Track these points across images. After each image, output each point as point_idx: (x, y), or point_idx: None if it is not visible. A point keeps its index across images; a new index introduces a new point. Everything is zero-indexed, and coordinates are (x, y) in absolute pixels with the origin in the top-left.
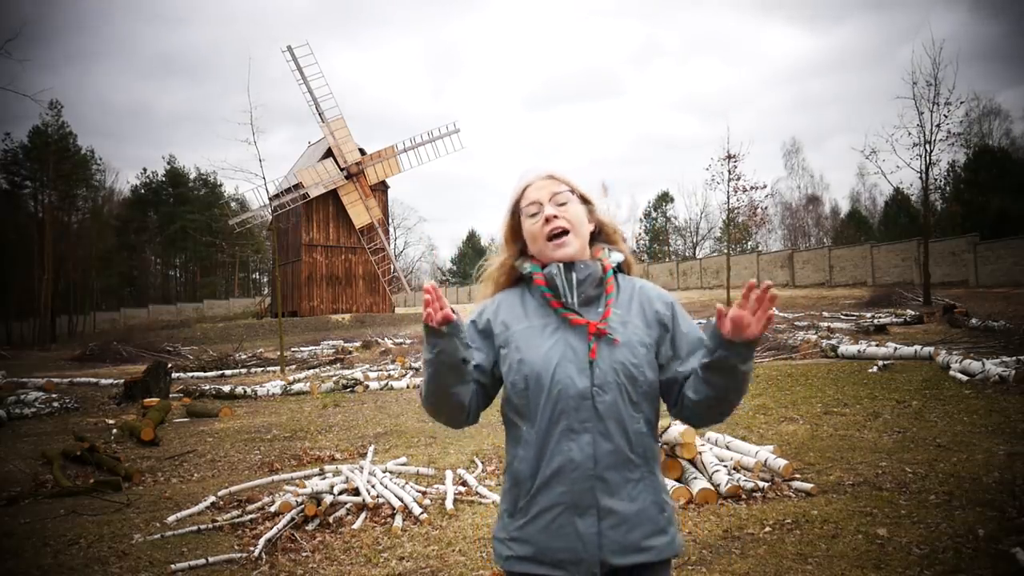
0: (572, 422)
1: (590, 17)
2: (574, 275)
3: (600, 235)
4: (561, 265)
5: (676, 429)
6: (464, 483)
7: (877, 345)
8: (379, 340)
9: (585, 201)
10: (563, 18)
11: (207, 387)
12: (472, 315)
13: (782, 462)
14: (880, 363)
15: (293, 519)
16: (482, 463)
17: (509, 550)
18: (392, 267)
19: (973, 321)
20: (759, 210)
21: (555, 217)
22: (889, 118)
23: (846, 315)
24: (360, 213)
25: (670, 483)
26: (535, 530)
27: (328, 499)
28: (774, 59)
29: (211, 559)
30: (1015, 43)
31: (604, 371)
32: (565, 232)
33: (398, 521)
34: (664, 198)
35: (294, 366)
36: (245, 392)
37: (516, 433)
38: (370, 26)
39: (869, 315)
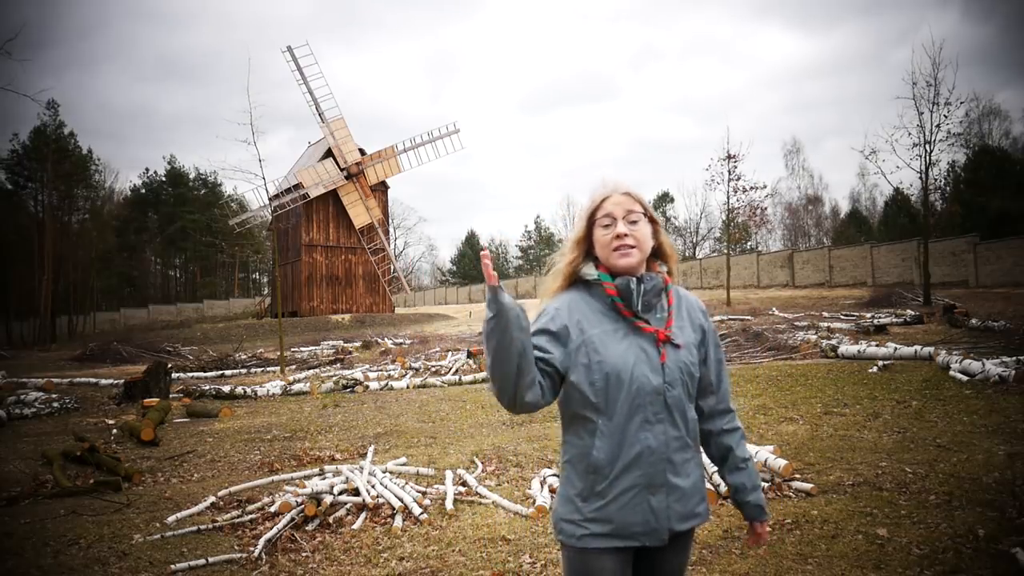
0: (647, 415)
1: (586, 21)
2: (643, 286)
3: (659, 251)
4: (634, 279)
5: None
6: (464, 483)
7: (877, 345)
8: (379, 340)
9: (652, 221)
10: (559, 22)
11: (207, 387)
12: (545, 319)
13: (782, 462)
14: (880, 363)
15: (293, 519)
16: (482, 463)
17: (585, 530)
18: (392, 267)
19: (973, 321)
20: (759, 210)
21: (626, 235)
22: (883, 120)
23: (846, 315)
24: (360, 213)
25: None
26: (614, 509)
27: (328, 499)
28: (769, 63)
29: (211, 559)
30: (1006, 45)
31: (672, 370)
32: (632, 247)
33: (398, 521)
34: (664, 198)
35: (294, 366)
36: (245, 392)
37: (589, 427)
38: (368, 30)
39: (869, 315)
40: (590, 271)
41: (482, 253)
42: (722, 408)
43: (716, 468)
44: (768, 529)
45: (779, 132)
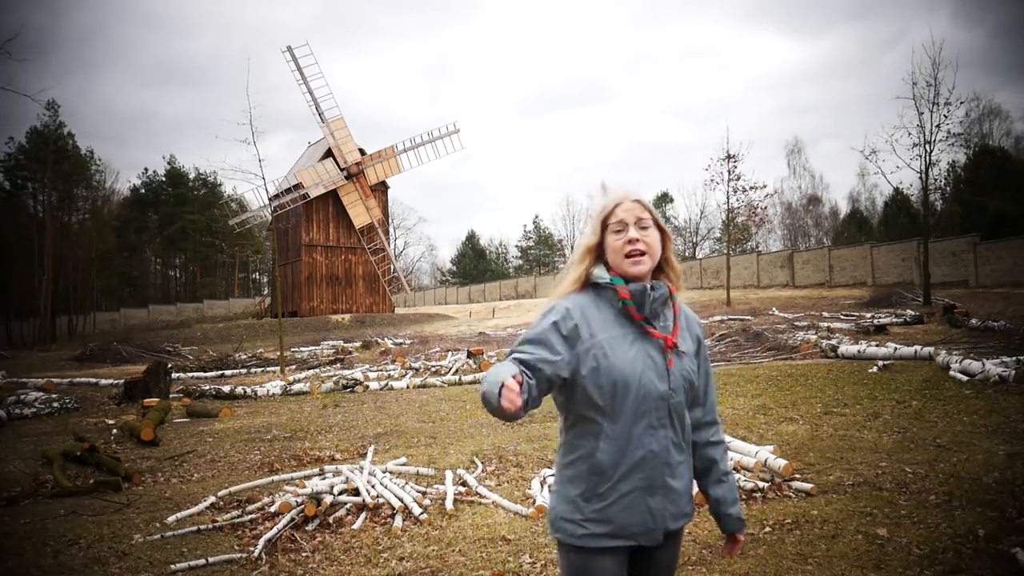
0: (652, 420)
1: (582, 25)
2: (653, 293)
3: (665, 265)
4: (647, 284)
5: None
6: (464, 483)
7: (877, 345)
8: (379, 340)
9: (661, 230)
10: (555, 26)
11: (207, 387)
12: (556, 316)
13: (782, 462)
14: (880, 363)
15: (293, 519)
16: (482, 463)
17: (585, 529)
18: (392, 267)
19: (973, 321)
20: (759, 210)
21: (637, 240)
22: (877, 122)
23: (846, 315)
24: (360, 213)
25: None
26: (615, 511)
27: (328, 499)
28: (764, 67)
29: (211, 559)
30: (996, 49)
31: (676, 377)
32: (643, 253)
33: (398, 521)
34: (664, 198)
35: (294, 366)
36: (245, 392)
37: (594, 428)
38: (365, 34)
39: (869, 315)
40: (602, 274)
41: (509, 392)
42: (709, 420)
43: (697, 480)
44: (743, 539)
45: (776, 135)
